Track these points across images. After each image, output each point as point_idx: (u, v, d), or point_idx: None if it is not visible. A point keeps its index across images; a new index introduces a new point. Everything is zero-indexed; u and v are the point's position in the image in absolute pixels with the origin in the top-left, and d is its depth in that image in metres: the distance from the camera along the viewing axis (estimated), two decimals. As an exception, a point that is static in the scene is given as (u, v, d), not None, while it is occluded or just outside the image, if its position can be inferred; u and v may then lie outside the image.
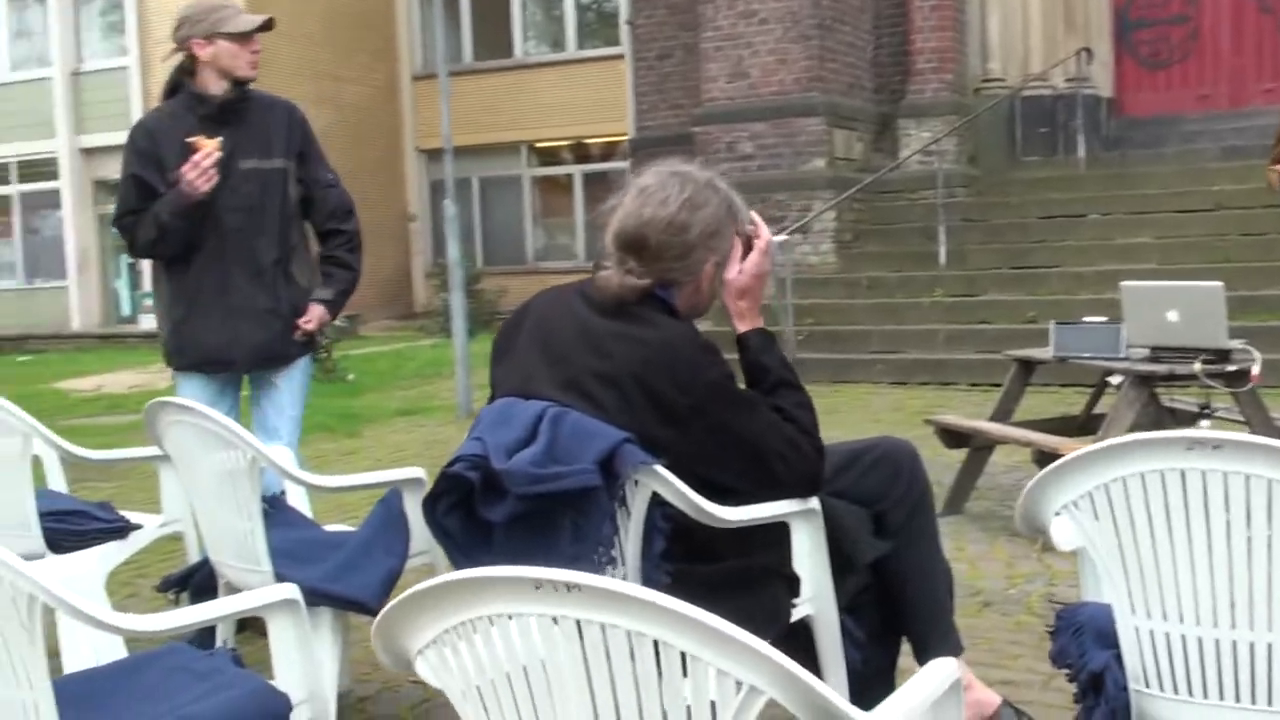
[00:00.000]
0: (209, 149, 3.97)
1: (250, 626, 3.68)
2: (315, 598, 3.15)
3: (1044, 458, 4.75)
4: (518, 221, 23.80)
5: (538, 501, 2.44)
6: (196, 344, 4.19)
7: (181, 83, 4.23)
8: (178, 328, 4.20)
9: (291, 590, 2.34)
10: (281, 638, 2.31)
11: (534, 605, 1.48)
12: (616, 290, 2.56)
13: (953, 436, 5.67)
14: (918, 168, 12.80)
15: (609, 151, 23.59)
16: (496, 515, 2.47)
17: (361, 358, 14.35)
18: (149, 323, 19.20)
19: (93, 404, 11.77)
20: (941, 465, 6.27)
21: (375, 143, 23.49)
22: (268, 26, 4.22)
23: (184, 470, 3.40)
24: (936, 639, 2.87)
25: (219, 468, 3.24)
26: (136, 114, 22.92)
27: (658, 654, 1.42)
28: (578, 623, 1.45)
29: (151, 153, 4.08)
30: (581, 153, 24.10)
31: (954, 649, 2.87)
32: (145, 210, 4.07)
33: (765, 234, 2.72)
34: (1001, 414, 5.80)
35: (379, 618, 1.62)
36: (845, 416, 8.90)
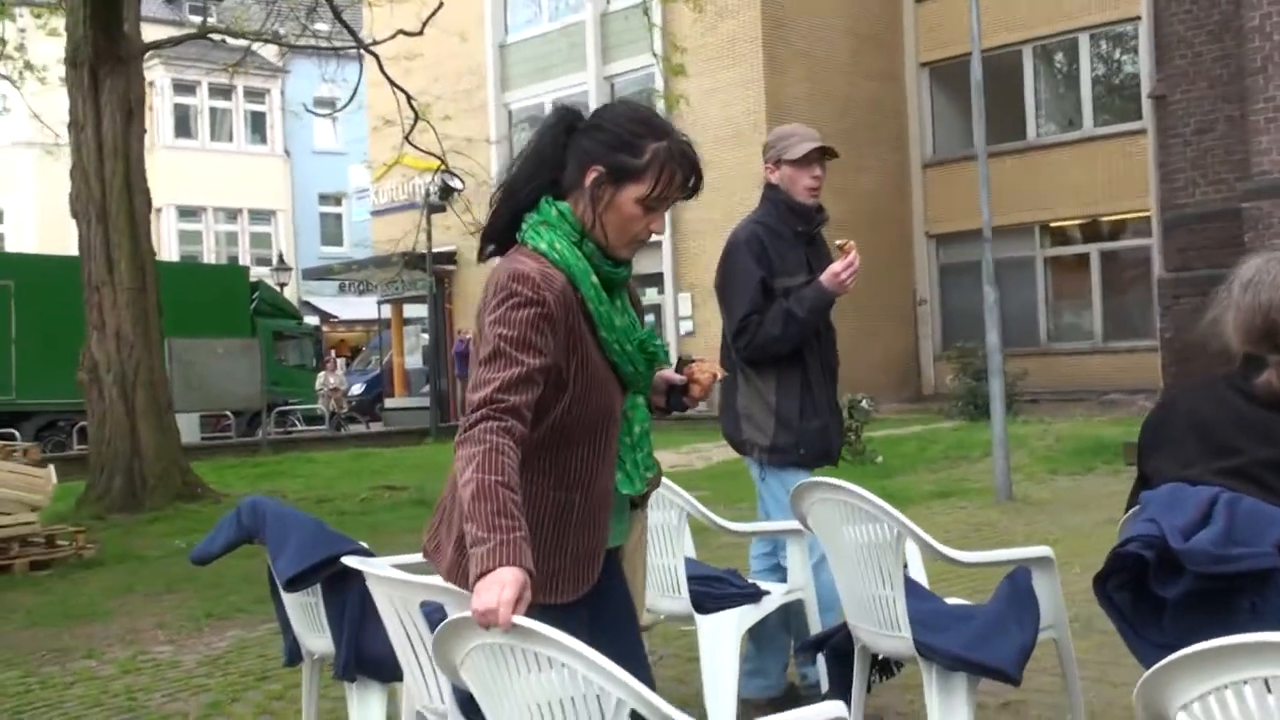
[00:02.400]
0: (855, 251, 4.36)
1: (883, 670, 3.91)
2: (956, 663, 3.39)
3: None
4: (1031, 303, 23.40)
5: (1215, 581, 2.54)
6: (823, 436, 4.49)
7: (773, 193, 4.65)
8: (791, 421, 4.43)
9: (839, 709, 2.42)
10: None
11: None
12: None
13: None
14: None
15: (1116, 229, 22.87)
16: (1171, 593, 2.59)
17: (884, 440, 14.63)
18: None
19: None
20: None
21: (886, 229, 23.98)
22: (828, 154, 4.56)
23: (827, 542, 3.75)
24: None
25: (861, 540, 3.55)
26: (665, 215, 24.70)
27: None
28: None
29: (764, 259, 4.49)
30: (1098, 231, 23.42)
31: None
32: (765, 310, 4.45)
33: None
34: None
35: (1144, 679, 1.81)
36: None
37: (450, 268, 28.11)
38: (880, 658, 3.80)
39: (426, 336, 29.02)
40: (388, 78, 16.32)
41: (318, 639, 3.95)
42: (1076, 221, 23.48)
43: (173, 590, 8.21)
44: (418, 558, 4.18)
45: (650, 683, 2.76)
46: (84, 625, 7.20)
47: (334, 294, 36.39)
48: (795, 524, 4.07)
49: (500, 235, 2.63)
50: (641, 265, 27.65)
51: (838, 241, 4.50)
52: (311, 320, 32.72)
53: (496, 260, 2.67)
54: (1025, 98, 23.93)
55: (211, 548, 4.06)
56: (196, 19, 30.24)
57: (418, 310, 30.62)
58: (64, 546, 9.84)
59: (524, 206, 2.59)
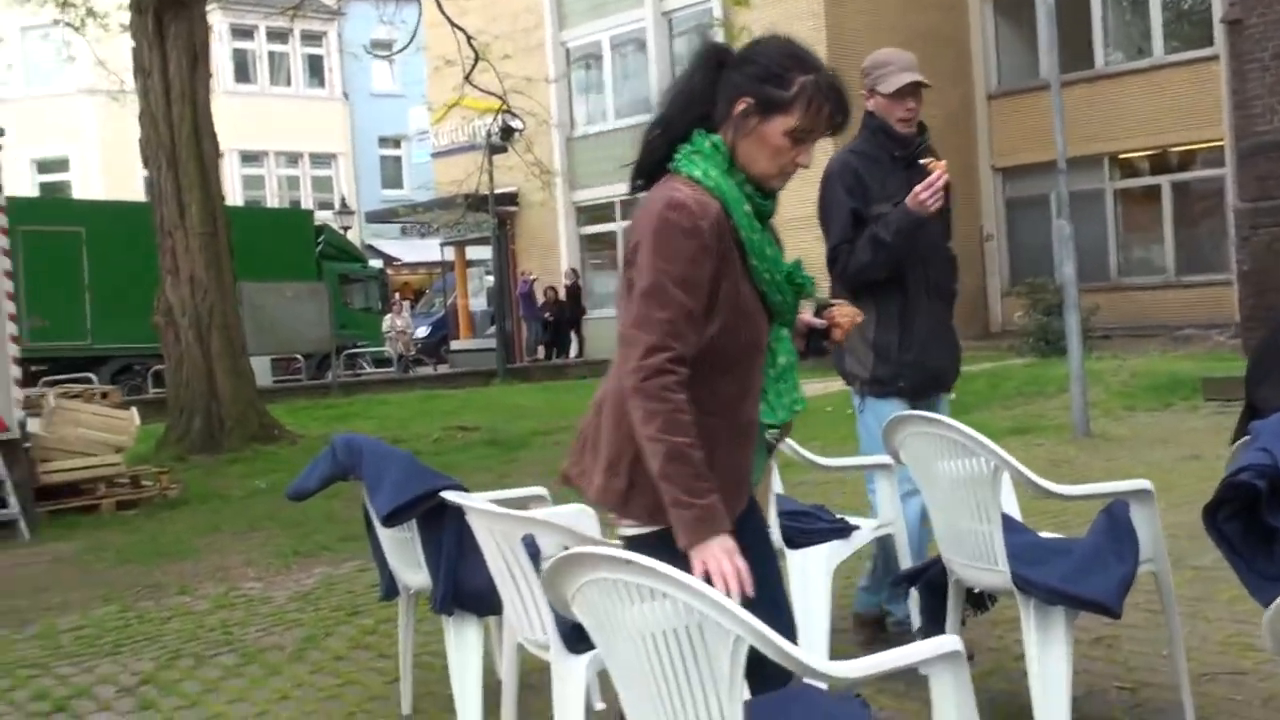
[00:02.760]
0: (940, 170, 4.29)
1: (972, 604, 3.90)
2: (1054, 597, 3.39)
3: None
4: (1101, 237, 23.00)
5: (1330, 509, 2.51)
6: (919, 369, 4.43)
7: (870, 120, 4.61)
8: (889, 353, 4.41)
9: (954, 643, 2.44)
10: (941, 691, 2.43)
11: None
12: None
13: None
14: None
15: (1188, 159, 22.41)
16: (1283, 521, 2.57)
17: (954, 377, 14.50)
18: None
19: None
20: None
21: (950, 163, 23.26)
22: (920, 85, 4.49)
23: (921, 476, 3.74)
24: None
25: (957, 474, 3.54)
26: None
27: None
28: None
29: (858, 188, 4.46)
30: (1169, 162, 22.95)
31: None
32: (856, 239, 4.43)
33: None
34: None
35: (1273, 607, 1.80)
36: None
37: (513, 209, 28.14)
38: (975, 591, 3.81)
39: (490, 278, 29.13)
40: (447, 17, 16.27)
41: (414, 573, 4.02)
42: (1146, 153, 23.01)
43: (256, 529, 8.38)
44: (515, 493, 4.26)
45: (789, 615, 2.77)
46: (174, 562, 7.38)
47: (396, 237, 36.58)
48: (885, 459, 4.08)
49: (652, 170, 2.66)
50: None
51: (921, 161, 4.43)
52: (375, 263, 32.93)
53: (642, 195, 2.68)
54: (1093, 25, 23.37)
55: (308, 483, 4.13)
56: (255, -38, 30.28)
57: (480, 252, 30.70)
58: (149, 487, 10.07)
59: (676, 140, 2.63)
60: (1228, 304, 18.12)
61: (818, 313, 2.92)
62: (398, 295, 31.47)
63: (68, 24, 17.45)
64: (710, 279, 2.51)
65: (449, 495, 3.53)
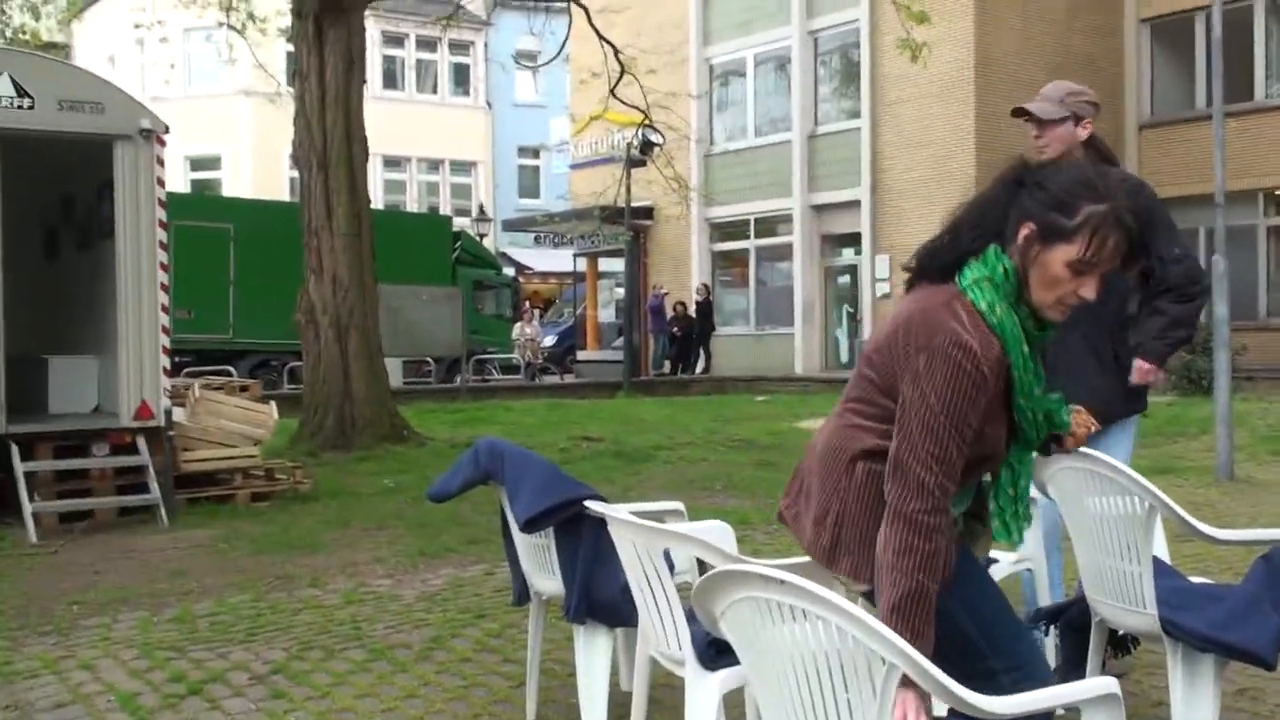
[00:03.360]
0: None
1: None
2: (1204, 644, 3.26)
3: None
4: (1251, 274, 22.25)
5: None
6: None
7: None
8: None
9: (1112, 685, 2.37)
10: None
11: None
12: None
13: None
14: None
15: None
16: None
17: (1091, 412, 14.14)
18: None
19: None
20: None
21: None
22: (1017, 114, 4.43)
23: (1069, 512, 3.64)
24: None
25: (1107, 512, 3.44)
26: (866, 172, 24.36)
27: None
28: None
29: None
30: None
31: None
32: None
33: None
34: None
35: None
36: None
37: (647, 222, 28.28)
38: (1118, 634, 3.69)
39: (620, 290, 29.30)
40: (596, 30, 16.42)
41: (547, 580, 4.03)
42: (1305, 190, 22.28)
43: (385, 527, 8.50)
44: (653, 506, 4.25)
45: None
46: (305, 555, 7.52)
47: (530, 245, 37.02)
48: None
49: (935, 274, 2.64)
50: (840, 224, 27.26)
51: None
52: (508, 271, 33.38)
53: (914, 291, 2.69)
54: (1254, 57, 22.68)
55: (450, 486, 4.16)
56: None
57: (612, 264, 30.91)
58: (282, 480, 10.27)
59: (967, 251, 2.61)
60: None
61: None
62: (528, 303, 31.84)
63: (231, 27, 18.03)
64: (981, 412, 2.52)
65: (593, 505, 3.53)
